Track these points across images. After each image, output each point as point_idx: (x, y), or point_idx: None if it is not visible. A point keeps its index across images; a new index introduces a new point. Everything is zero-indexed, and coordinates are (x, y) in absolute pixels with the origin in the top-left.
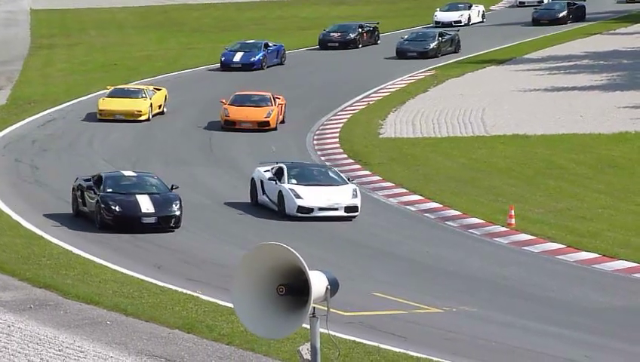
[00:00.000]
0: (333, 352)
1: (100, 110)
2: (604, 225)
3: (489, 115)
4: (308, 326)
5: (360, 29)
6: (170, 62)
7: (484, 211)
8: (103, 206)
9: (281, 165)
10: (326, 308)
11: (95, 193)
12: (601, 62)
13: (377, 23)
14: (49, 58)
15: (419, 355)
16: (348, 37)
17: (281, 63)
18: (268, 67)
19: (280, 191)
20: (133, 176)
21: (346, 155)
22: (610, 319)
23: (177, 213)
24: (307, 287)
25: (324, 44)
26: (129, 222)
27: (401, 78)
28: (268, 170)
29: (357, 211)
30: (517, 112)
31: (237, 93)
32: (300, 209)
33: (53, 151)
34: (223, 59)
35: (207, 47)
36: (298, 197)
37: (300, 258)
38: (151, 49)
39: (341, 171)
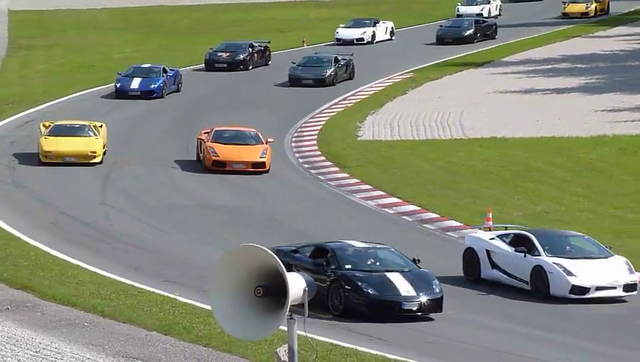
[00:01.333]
0: (310, 354)
1: (45, 152)
2: (582, 228)
3: (467, 117)
4: (285, 328)
5: (250, 49)
6: (148, 63)
7: (462, 214)
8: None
9: (523, 232)
10: (303, 310)
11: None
12: (580, 65)
13: (268, 42)
14: (27, 59)
15: (396, 358)
16: (237, 57)
17: (177, 90)
18: (167, 94)
19: (538, 267)
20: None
21: (324, 158)
22: (591, 322)
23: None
24: (285, 289)
25: (211, 64)
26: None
27: (379, 81)
28: (495, 238)
29: (635, 290)
30: (495, 115)
31: (217, 129)
32: (574, 289)
33: (32, 152)
34: (118, 85)
35: (185, 49)
36: (570, 274)
37: (277, 259)
38: (129, 50)
39: (319, 174)
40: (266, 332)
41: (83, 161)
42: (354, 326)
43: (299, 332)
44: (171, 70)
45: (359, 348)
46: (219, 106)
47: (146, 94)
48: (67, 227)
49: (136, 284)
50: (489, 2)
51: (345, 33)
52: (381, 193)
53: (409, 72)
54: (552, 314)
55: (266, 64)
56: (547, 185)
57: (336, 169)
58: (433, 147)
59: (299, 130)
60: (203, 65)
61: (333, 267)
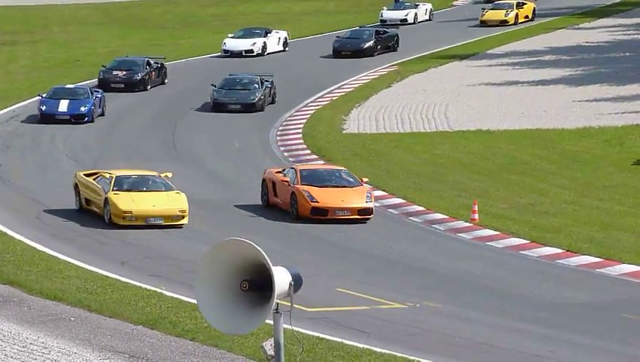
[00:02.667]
0: (296, 348)
1: (124, 212)
2: (568, 220)
3: (452, 110)
4: (271, 322)
5: (148, 67)
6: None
7: (447, 206)
8: None
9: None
10: (289, 304)
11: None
12: (565, 57)
13: (163, 58)
14: (12, 54)
15: (382, 351)
16: (134, 77)
17: (102, 114)
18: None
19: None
20: None
21: (309, 151)
22: (574, 314)
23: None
24: (270, 283)
25: (106, 84)
26: None
27: (364, 74)
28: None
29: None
30: (480, 108)
31: (303, 169)
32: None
33: (17, 148)
34: (43, 108)
35: (169, 44)
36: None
37: (264, 253)
38: (114, 45)
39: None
40: (252, 327)
41: (169, 223)
42: (340, 319)
43: (285, 325)
44: (96, 91)
45: (345, 342)
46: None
47: (77, 118)
48: (53, 222)
49: (123, 279)
50: (416, 7)
51: (233, 44)
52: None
53: (394, 65)
54: (535, 306)
55: (163, 83)
56: (532, 177)
57: (322, 162)
58: (418, 140)
59: (284, 123)
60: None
61: None
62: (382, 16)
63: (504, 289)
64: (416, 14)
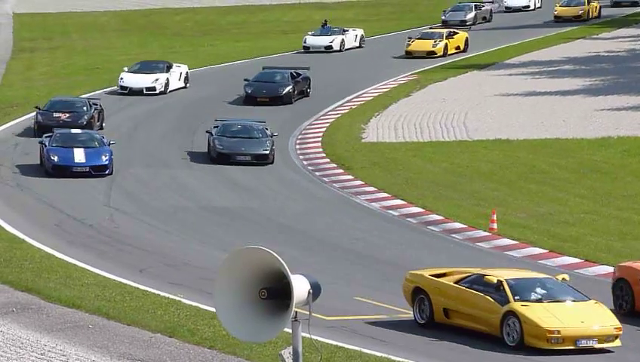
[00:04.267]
0: (315, 356)
1: None
2: (587, 230)
3: (471, 119)
4: (290, 331)
5: (95, 107)
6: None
7: (466, 216)
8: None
9: None
10: (308, 312)
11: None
12: (584, 66)
13: (98, 101)
14: (31, 61)
15: (400, 359)
16: (80, 120)
17: (101, 127)
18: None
19: None
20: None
21: (328, 160)
22: None
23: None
24: (289, 291)
25: (46, 128)
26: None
27: (383, 83)
28: None
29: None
30: (499, 117)
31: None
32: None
33: (35, 155)
34: (55, 159)
35: (188, 51)
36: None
37: (282, 261)
38: (133, 52)
39: (323, 176)
40: (270, 335)
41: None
42: (358, 327)
43: (303, 334)
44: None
45: (363, 350)
46: (222, 108)
47: (96, 170)
48: (71, 229)
49: (141, 286)
50: (344, 32)
51: (131, 81)
52: (385, 195)
53: (413, 74)
54: None
55: (101, 128)
56: (551, 186)
57: (341, 171)
58: (437, 149)
59: (303, 132)
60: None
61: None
62: (305, 42)
63: None
64: (343, 41)
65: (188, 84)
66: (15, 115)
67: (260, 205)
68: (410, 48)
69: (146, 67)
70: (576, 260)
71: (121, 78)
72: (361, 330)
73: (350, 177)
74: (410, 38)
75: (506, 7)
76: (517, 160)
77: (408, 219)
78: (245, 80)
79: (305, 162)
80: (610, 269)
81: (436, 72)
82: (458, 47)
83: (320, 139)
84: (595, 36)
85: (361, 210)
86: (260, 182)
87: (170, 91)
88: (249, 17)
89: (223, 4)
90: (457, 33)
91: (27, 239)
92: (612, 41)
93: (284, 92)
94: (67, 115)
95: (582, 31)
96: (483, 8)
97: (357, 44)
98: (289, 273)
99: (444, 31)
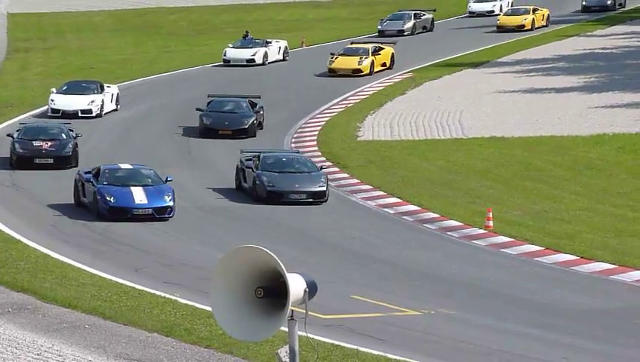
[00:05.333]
0: (311, 355)
1: None
2: (582, 227)
3: (467, 117)
4: (286, 329)
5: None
6: (146, 65)
7: (462, 213)
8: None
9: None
10: (304, 311)
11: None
12: (578, 64)
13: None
14: (26, 62)
15: (397, 358)
16: (66, 150)
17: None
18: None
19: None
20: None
21: (324, 158)
22: (588, 321)
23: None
24: (285, 290)
25: (29, 161)
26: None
27: (379, 81)
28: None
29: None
30: (494, 114)
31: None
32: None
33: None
34: (111, 201)
35: (183, 50)
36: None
37: (278, 260)
38: (127, 52)
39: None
40: (267, 334)
41: None
42: (355, 326)
43: (300, 332)
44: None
45: (360, 349)
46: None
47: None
48: (67, 229)
49: (137, 286)
50: (267, 44)
51: (64, 103)
52: (381, 193)
53: (409, 72)
54: (550, 312)
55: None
56: (547, 184)
57: (337, 169)
58: (433, 147)
59: (299, 130)
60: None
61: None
62: (225, 55)
63: (518, 296)
64: (266, 53)
65: (119, 106)
66: (10, 116)
67: (255, 204)
68: (333, 66)
69: (76, 88)
70: (572, 257)
71: (52, 100)
72: (358, 329)
73: (346, 175)
74: (333, 54)
75: (469, 12)
76: (512, 157)
77: (404, 217)
78: (199, 110)
79: None
80: (607, 266)
81: (431, 70)
82: (384, 64)
83: (316, 137)
84: (589, 33)
85: (357, 209)
86: None
87: (105, 114)
88: (244, 16)
89: (217, 3)
90: (383, 49)
91: (23, 239)
92: (606, 38)
93: (248, 124)
94: (49, 143)
95: (576, 28)
96: (423, 17)
97: (280, 56)
98: (285, 272)
99: (369, 46)
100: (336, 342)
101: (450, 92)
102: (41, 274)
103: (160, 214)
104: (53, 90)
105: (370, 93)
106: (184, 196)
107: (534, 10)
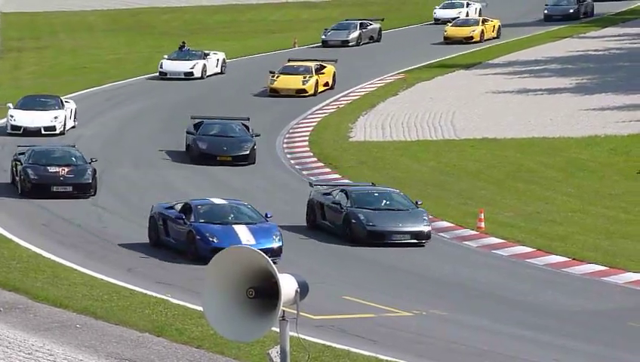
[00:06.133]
0: (302, 355)
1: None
2: (574, 229)
3: (459, 118)
4: (277, 330)
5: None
6: (139, 65)
7: (453, 214)
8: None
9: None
10: (296, 312)
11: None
12: (571, 65)
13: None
14: (19, 61)
15: (389, 359)
16: (85, 176)
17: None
18: None
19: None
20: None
21: (315, 159)
22: (580, 322)
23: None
24: (277, 290)
25: (44, 188)
26: None
27: (370, 82)
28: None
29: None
30: (487, 116)
31: None
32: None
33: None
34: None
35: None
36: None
37: (270, 261)
38: (121, 52)
39: (311, 175)
40: (258, 334)
41: None
42: (346, 326)
43: (291, 333)
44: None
45: (352, 349)
46: (208, 110)
47: None
48: (59, 229)
49: (129, 286)
50: (205, 56)
51: (25, 120)
52: None
53: (401, 73)
54: (541, 314)
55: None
56: (539, 185)
57: (328, 170)
58: (425, 148)
59: (290, 131)
60: None
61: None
62: (161, 67)
63: (510, 297)
64: (205, 66)
65: (76, 123)
66: (2, 115)
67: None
68: (275, 85)
69: (35, 103)
70: (564, 259)
71: (11, 116)
72: (350, 329)
73: (338, 176)
74: (273, 72)
75: (435, 19)
76: (504, 159)
77: None
78: (190, 133)
79: (292, 161)
80: (599, 268)
81: (423, 72)
82: (327, 83)
83: (307, 138)
84: (582, 35)
85: None
86: (247, 181)
87: (68, 130)
88: (237, 16)
89: (210, 4)
90: (326, 67)
91: (14, 239)
92: (599, 40)
93: (249, 148)
94: (65, 169)
95: (569, 30)
96: (370, 27)
97: (218, 69)
98: (277, 272)
99: (312, 64)
100: (328, 343)
101: (443, 93)
102: (32, 273)
103: (272, 256)
104: (10, 105)
105: (363, 93)
106: (175, 196)
107: (484, 21)
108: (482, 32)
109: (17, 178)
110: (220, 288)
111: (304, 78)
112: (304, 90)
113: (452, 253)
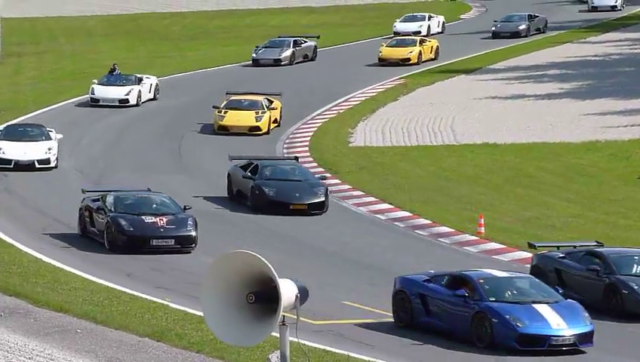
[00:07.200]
0: (302, 360)
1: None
2: (573, 234)
3: (459, 123)
4: (277, 335)
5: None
6: (139, 70)
7: (453, 220)
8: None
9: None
10: (295, 317)
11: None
12: (571, 70)
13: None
14: (19, 66)
15: None
16: (188, 227)
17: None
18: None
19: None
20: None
21: (315, 164)
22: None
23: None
24: (277, 295)
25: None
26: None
27: (371, 87)
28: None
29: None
30: (486, 121)
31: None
32: None
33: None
34: None
35: (176, 55)
36: None
37: (270, 266)
38: (120, 57)
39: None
40: (258, 339)
41: None
42: (345, 331)
43: (291, 338)
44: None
45: (351, 354)
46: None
47: None
48: (59, 234)
49: (129, 291)
50: (139, 82)
51: (13, 152)
52: (373, 199)
53: (401, 78)
54: None
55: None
56: (538, 190)
57: (328, 175)
58: (424, 153)
59: (290, 136)
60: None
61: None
62: (93, 93)
63: None
64: (140, 93)
65: (55, 161)
66: (2, 120)
67: (247, 210)
68: (224, 123)
69: (21, 134)
70: None
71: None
72: (349, 334)
73: (338, 181)
74: (217, 107)
75: (394, 33)
76: (504, 164)
77: (396, 223)
78: (246, 177)
79: None
80: None
81: (424, 77)
82: (275, 120)
83: (308, 143)
84: (582, 40)
85: (348, 214)
86: None
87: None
88: (236, 22)
89: (210, 9)
90: (273, 101)
91: (15, 243)
92: (599, 45)
93: (323, 194)
94: (163, 219)
95: (569, 35)
96: (304, 45)
97: (151, 95)
98: (277, 277)
99: (261, 98)
100: (327, 348)
101: (443, 98)
102: (32, 278)
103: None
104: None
105: (363, 99)
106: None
107: (422, 41)
108: (420, 53)
109: (93, 229)
110: (220, 293)
111: (257, 114)
112: (258, 128)
113: (452, 258)
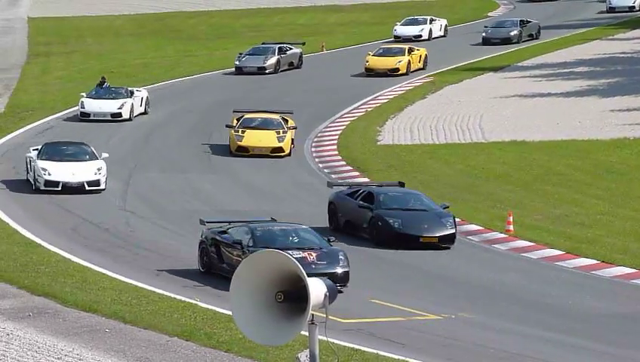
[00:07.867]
0: (331, 359)
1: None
2: (603, 231)
3: (487, 121)
4: (306, 333)
5: None
6: (167, 69)
7: (482, 218)
8: None
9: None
10: (324, 315)
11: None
12: (599, 67)
13: None
14: (46, 66)
15: None
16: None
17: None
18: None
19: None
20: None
21: (344, 162)
22: (608, 325)
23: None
24: (306, 294)
25: None
26: None
27: (399, 85)
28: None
29: None
30: (515, 118)
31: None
32: None
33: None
34: None
35: (203, 55)
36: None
37: (299, 265)
38: (148, 56)
39: (338, 178)
40: (287, 338)
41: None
42: (375, 330)
43: (320, 337)
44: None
45: (381, 353)
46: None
47: None
48: (87, 233)
49: (157, 290)
50: (131, 95)
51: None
52: None
53: (429, 76)
54: (570, 317)
55: None
56: (567, 188)
57: (357, 173)
58: (453, 151)
59: (319, 135)
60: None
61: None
62: (83, 107)
63: (539, 300)
64: (132, 106)
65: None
66: (30, 120)
67: (274, 208)
68: (244, 143)
69: (63, 153)
70: (593, 261)
71: (44, 170)
72: (378, 333)
73: (366, 180)
74: (232, 127)
75: (394, 37)
76: (533, 161)
77: None
78: (363, 206)
79: (321, 165)
80: (628, 270)
81: (451, 74)
82: (292, 141)
83: (336, 142)
84: (610, 37)
85: None
86: (275, 184)
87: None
88: (264, 20)
89: (237, 7)
90: (288, 120)
91: (43, 243)
92: (628, 42)
93: (452, 225)
94: (313, 254)
95: (597, 32)
96: (289, 52)
97: (142, 109)
98: (305, 276)
99: (277, 117)
100: (356, 346)
101: (471, 96)
102: (61, 278)
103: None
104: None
105: (391, 97)
106: (203, 199)
107: (410, 50)
108: (409, 62)
109: (223, 265)
110: (249, 292)
111: (278, 133)
112: (281, 149)
113: (480, 255)
